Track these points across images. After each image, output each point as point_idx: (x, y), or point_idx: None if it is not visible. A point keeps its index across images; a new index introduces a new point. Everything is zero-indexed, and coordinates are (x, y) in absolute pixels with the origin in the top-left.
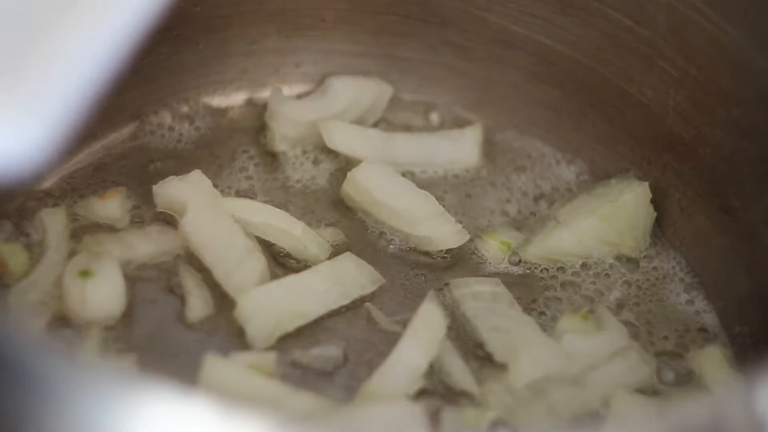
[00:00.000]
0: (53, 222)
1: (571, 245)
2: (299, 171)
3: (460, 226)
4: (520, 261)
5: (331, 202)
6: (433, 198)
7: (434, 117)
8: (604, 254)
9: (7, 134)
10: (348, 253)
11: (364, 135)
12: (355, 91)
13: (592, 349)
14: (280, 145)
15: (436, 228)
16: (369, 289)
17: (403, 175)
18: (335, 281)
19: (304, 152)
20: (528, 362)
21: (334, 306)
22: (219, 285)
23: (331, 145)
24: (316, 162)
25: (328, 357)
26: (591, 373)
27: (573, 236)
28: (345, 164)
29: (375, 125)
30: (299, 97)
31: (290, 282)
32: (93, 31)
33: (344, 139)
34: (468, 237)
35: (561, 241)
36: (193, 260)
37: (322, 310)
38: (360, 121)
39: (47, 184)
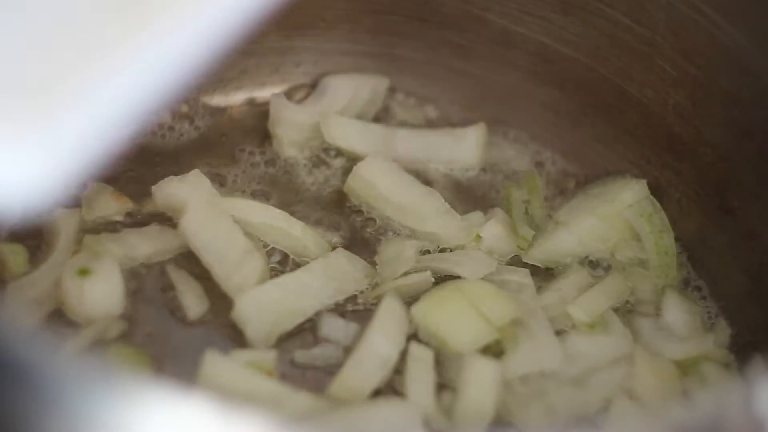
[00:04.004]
0: (68, 223)
1: (572, 246)
2: (313, 174)
3: (466, 223)
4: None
5: (339, 201)
6: (438, 194)
7: (433, 117)
8: (605, 253)
9: (18, 168)
10: (339, 248)
11: (365, 130)
12: (353, 88)
13: (595, 352)
14: (288, 151)
15: (443, 224)
16: (363, 283)
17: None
18: (330, 277)
19: (314, 155)
20: (524, 355)
21: (330, 302)
22: (218, 284)
23: (330, 140)
24: (326, 163)
25: (328, 357)
26: (593, 375)
27: (573, 237)
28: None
29: (376, 120)
30: (296, 93)
31: (285, 281)
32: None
33: (344, 134)
34: (474, 234)
35: (562, 242)
36: (187, 259)
37: (318, 307)
38: (361, 116)
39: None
